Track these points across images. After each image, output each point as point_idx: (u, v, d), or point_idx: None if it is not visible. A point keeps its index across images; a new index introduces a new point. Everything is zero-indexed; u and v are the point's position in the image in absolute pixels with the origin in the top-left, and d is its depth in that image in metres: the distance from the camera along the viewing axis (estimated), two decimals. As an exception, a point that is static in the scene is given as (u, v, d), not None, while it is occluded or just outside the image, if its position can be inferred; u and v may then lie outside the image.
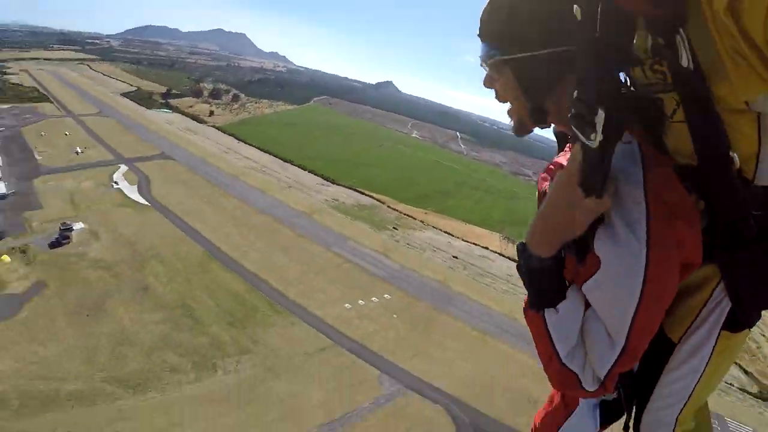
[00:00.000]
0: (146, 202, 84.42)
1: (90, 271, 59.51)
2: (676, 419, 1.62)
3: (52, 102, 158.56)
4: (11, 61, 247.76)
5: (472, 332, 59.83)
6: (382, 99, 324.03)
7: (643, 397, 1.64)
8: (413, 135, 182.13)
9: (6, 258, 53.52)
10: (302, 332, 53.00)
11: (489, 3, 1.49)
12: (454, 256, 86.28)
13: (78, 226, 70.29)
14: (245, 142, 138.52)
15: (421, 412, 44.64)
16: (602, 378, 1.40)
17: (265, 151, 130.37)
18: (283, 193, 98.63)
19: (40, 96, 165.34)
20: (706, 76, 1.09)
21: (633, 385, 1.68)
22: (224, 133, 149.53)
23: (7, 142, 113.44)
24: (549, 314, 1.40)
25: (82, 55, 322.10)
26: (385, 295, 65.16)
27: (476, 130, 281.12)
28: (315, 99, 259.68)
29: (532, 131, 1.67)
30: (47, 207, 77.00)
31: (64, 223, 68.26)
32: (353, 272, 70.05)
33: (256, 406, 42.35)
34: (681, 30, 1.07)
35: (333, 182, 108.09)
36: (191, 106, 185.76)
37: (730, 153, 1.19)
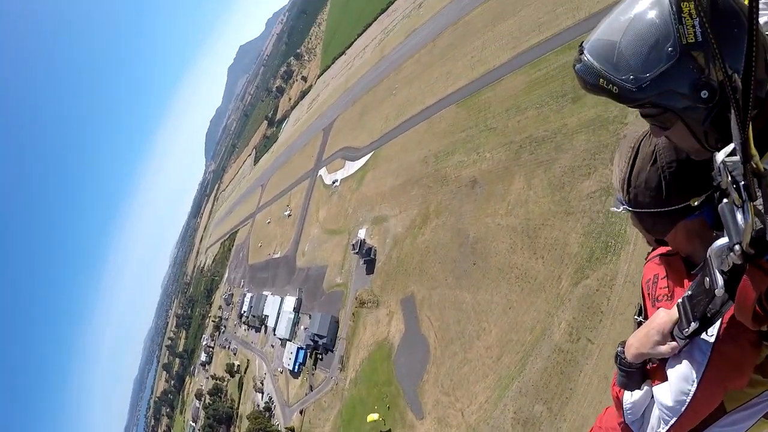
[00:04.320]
0: (363, 160, 77.14)
1: (420, 239, 51.07)
2: None
3: (236, 231, 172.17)
4: (199, 257, 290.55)
5: None
6: None
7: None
8: None
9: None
10: None
11: (617, 157, 2.19)
12: None
13: (362, 233, 63.65)
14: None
15: None
16: None
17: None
18: None
19: (230, 239, 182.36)
20: None
21: None
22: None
23: (253, 281, 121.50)
24: (626, 395, 2.32)
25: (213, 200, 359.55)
26: None
27: None
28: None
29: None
30: (328, 260, 73.49)
31: (353, 245, 62.20)
32: None
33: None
34: None
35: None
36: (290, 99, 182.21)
37: None
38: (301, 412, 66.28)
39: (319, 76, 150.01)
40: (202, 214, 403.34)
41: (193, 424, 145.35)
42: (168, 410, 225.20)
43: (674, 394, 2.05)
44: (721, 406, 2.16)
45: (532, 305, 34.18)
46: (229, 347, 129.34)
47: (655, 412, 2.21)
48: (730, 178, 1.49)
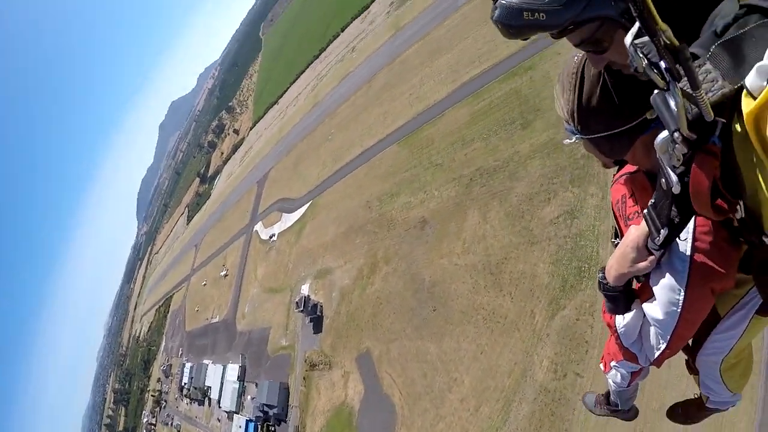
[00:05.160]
0: (300, 211, 73.28)
1: (370, 290, 47.30)
2: (722, 360, 2.50)
3: (171, 295, 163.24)
4: (134, 325, 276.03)
5: None
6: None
7: (696, 343, 2.50)
8: None
9: None
10: None
11: (562, 91, 2.10)
12: None
13: (305, 289, 58.65)
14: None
15: None
16: (652, 361, 2.34)
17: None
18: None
19: (164, 305, 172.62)
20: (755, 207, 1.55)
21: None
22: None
23: (192, 349, 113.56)
24: (618, 319, 2.31)
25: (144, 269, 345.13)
26: None
27: None
28: None
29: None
30: (270, 321, 67.95)
31: (297, 303, 56.80)
32: None
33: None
34: (740, 203, 1.54)
35: None
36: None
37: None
38: (257, 494, 59.45)
39: (251, 128, 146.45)
40: (136, 279, 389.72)
41: None
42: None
43: (664, 307, 2.02)
44: (715, 313, 2.23)
45: (506, 346, 31.09)
46: (171, 423, 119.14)
47: (651, 331, 2.20)
48: (646, 62, 1.39)
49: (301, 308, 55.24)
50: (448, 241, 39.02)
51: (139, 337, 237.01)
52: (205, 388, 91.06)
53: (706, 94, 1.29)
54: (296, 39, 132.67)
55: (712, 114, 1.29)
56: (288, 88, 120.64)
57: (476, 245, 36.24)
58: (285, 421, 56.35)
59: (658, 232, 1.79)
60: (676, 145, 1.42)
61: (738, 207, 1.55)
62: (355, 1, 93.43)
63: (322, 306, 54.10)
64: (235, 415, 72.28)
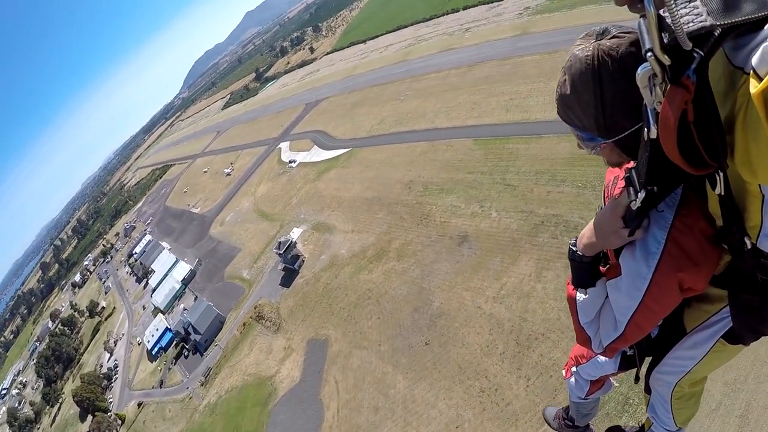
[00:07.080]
0: (334, 153, 65.46)
1: (365, 276, 39.23)
2: (676, 383, 2.49)
3: (171, 165, 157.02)
4: (127, 173, 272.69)
5: None
6: None
7: (656, 360, 2.48)
8: None
9: None
10: None
11: (573, 96, 1.80)
12: None
13: (296, 233, 50.70)
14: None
15: None
16: (605, 346, 2.20)
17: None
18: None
19: (162, 169, 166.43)
20: (735, 191, 1.48)
21: (647, 349, 2.55)
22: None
23: (160, 225, 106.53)
24: (580, 293, 2.18)
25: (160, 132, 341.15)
26: None
27: None
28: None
29: None
30: (244, 244, 60.14)
31: (279, 243, 48.28)
32: None
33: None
34: (719, 174, 1.43)
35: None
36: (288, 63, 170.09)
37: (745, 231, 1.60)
38: (139, 405, 52.27)
39: (327, 54, 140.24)
40: (152, 133, 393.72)
41: (37, 344, 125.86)
42: (25, 312, 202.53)
43: (627, 288, 1.91)
44: (682, 327, 2.21)
45: (490, 437, 22.94)
46: (104, 281, 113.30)
47: (610, 314, 2.11)
48: None
49: (281, 251, 47.08)
50: (483, 275, 30.89)
51: (124, 185, 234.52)
52: (149, 270, 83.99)
53: (685, 23, 1.22)
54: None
55: (689, 42, 1.22)
56: (382, 34, 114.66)
57: (514, 299, 28.07)
58: (201, 354, 48.65)
59: (636, 195, 1.68)
60: (656, 78, 1.33)
61: (717, 176, 1.42)
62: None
63: (303, 261, 46.06)
64: (160, 314, 64.78)
